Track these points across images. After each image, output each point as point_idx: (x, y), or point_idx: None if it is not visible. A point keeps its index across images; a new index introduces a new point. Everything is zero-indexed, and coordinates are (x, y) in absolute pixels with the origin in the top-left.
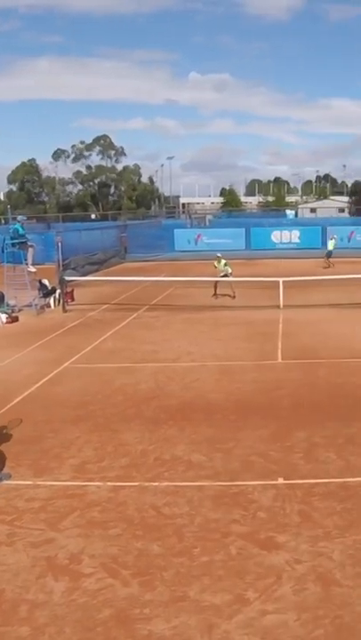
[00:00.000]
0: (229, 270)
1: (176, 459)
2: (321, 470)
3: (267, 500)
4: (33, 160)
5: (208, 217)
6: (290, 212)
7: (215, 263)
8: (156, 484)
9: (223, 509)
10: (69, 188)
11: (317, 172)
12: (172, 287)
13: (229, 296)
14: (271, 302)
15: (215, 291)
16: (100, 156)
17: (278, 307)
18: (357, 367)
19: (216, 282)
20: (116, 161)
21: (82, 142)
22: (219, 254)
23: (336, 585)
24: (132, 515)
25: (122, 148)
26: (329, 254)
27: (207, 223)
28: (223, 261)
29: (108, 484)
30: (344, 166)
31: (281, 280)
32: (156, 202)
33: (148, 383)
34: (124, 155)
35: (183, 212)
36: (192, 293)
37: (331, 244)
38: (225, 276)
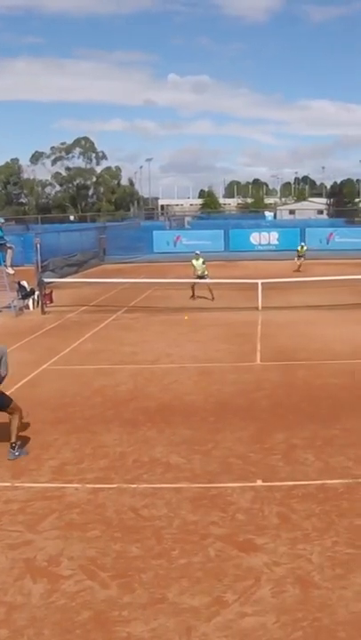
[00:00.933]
0: (206, 272)
1: (155, 460)
2: (300, 472)
3: (245, 501)
4: (16, 160)
5: (187, 219)
6: (269, 214)
7: (193, 261)
8: (135, 485)
9: (202, 511)
10: (48, 189)
11: (296, 173)
12: (151, 289)
13: (207, 298)
14: (250, 304)
15: (193, 292)
16: (81, 158)
17: (257, 308)
18: (337, 369)
19: (194, 283)
20: (97, 163)
21: (62, 143)
22: (198, 252)
23: (315, 587)
24: (111, 517)
25: (102, 153)
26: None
27: (186, 225)
28: (201, 259)
29: (87, 485)
30: (323, 168)
31: (260, 282)
32: (135, 204)
33: (127, 385)
34: (105, 158)
35: (162, 214)
36: (171, 295)
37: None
38: (202, 277)
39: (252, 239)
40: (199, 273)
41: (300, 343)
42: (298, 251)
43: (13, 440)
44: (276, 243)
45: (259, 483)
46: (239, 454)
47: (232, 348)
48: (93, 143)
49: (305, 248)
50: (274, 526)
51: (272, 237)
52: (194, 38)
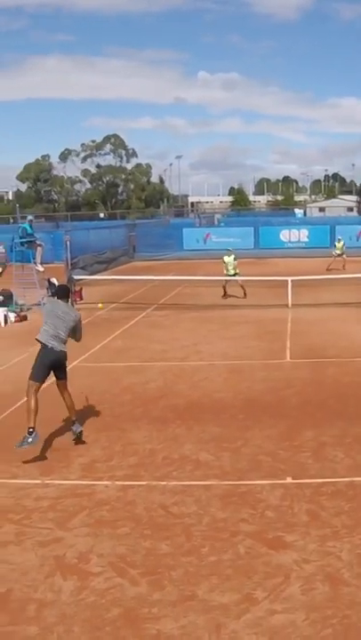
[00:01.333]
0: (237, 270)
1: (184, 458)
2: (329, 469)
3: (275, 499)
4: (47, 157)
5: (217, 216)
6: (298, 211)
7: (225, 257)
8: (165, 483)
9: (231, 508)
10: (77, 186)
11: (326, 170)
12: (181, 286)
13: (238, 297)
14: (280, 301)
15: (225, 291)
16: (112, 155)
17: (287, 306)
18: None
19: (226, 282)
20: (127, 161)
21: (93, 141)
22: (230, 248)
23: (344, 584)
24: (141, 514)
25: (133, 150)
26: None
27: (216, 222)
28: (233, 256)
29: (117, 483)
30: (353, 165)
31: (290, 279)
32: (165, 201)
33: (157, 382)
34: (136, 156)
35: (192, 211)
36: (201, 292)
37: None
38: (235, 274)
39: (281, 236)
40: (230, 271)
41: (329, 341)
42: (336, 247)
43: (74, 418)
44: (306, 240)
45: (288, 480)
46: (268, 452)
47: (262, 345)
48: (123, 140)
49: (342, 243)
50: (303, 523)
51: (302, 235)
52: (224, 36)
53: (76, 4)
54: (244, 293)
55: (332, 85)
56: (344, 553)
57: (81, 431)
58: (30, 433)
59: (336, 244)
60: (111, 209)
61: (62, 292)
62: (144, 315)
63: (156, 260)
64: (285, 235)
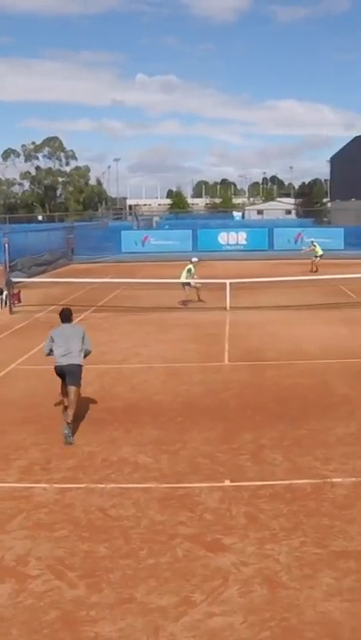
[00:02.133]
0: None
1: (122, 460)
2: (268, 472)
3: (213, 501)
4: None
5: (155, 219)
6: (237, 214)
7: (191, 266)
8: (103, 485)
9: (170, 511)
10: (16, 189)
11: (264, 173)
12: (120, 289)
13: (194, 300)
14: (218, 304)
15: (198, 296)
16: (50, 158)
17: (225, 308)
18: (305, 369)
19: (193, 288)
20: (67, 163)
21: (32, 143)
22: (195, 259)
23: (283, 587)
24: (79, 516)
25: (72, 151)
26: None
27: (154, 225)
28: (194, 270)
29: (55, 485)
30: (291, 168)
31: (228, 282)
32: (103, 203)
33: (95, 385)
34: (75, 158)
35: (130, 214)
36: (139, 295)
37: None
38: (187, 283)
39: (220, 239)
40: (187, 279)
41: (268, 343)
42: (313, 250)
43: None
44: (245, 243)
45: (227, 483)
46: (207, 454)
47: (200, 348)
48: (62, 143)
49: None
50: (242, 526)
51: (240, 237)
52: (161, 38)
53: (12, 5)
54: (199, 297)
55: (270, 88)
56: (282, 556)
57: (66, 434)
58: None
59: (314, 246)
60: (50, 211)
61: (64, 316)
62: (82, 317)
63: (95, 263)
64: (224, 237)
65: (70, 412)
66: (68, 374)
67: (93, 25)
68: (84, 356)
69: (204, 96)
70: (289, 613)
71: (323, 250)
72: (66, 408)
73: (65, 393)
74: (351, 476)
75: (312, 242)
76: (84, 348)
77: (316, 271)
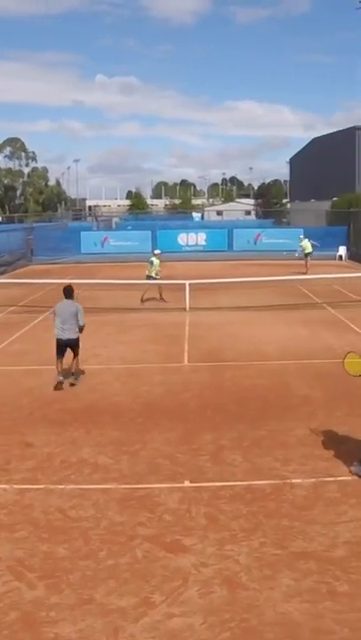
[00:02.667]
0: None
1: (82, 461)
2: (227, 473)
3: (173, 502)
4: None
5: (114, 219)
6: (196, 215)
7: (154, 259)
8: (63, 486)
9: (129, 512)
10: None
11: (224, 174)
12: (79, 290)
13: (156, 298)
14: (178, 305)
15: (160, 294)
16: (10, 159)
17: (185, 309)
18: (265, 369)
19: (149, 287)
20: (26, 164)
21: None
22: (158, 251)
23: (242, 588)
24: (39, 517)
25: (33, 153)
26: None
27: (113, 226)
28: (157, 261)
29: (15, 486)
30: (250, 169)
31: (187, 282)
32: (63, 204)
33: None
34: (35, 160)
35: (89, 215)
36: (99, 296)
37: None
38: (151, 277)
39: (179, 240)
40: (155, 274)
41: (227, 344)
42: (302, 248)
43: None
44: (204, 243)
45: (186, 483)
46: (167, 455)
47: (160, 348)
48: (24, 144)
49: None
50: (201, 527)
51: (200, 238)
52: (121, 39)
53: None
54: (160, 296)
55: (229, 89)
56: (242, 556)
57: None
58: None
59: (303, 243)
60: (9, 212)
61: (66, 292)
62: (42, 318)
63: (55, 264)
64: (183, 238)
65: (74, 365)
66: (67, 346)
67: (54, 25)
68: (79, 330)
69: (164, 97)
70: (249, 614)
71: (279, 249)
72: (59, 370)
73: (60, 359)
74: (311, 476)
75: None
76: (78, 324)
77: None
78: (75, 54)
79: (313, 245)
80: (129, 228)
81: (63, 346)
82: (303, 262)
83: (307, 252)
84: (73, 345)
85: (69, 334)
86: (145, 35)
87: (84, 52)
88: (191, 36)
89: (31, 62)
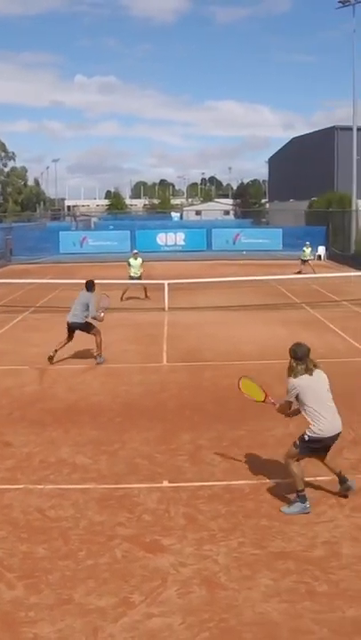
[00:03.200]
0: (140, 272)
1: (61, 461)
2: (206, 473)
3: (152, 502)
4: None
5: (93, 219)
6: (175, 215)
7: (131, 260)
8: (42, 486)
9: (108, 512)
10: None
11: (203, 174)
12: (58, 289)
13: (140, 298)
14: (157, 305)
15: (123, 293)
16: None
17: (163, 309)
18: (244, 369)
19: (128, 286)
20: (4, 164)
21: None
22: (136, 250)
23: (221, 588)
24: (18, 517)
25: (13, 153)
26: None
27: (92, 226)
28: (140, 259)
29: None
30: (230, 169)
31: (166, 282)
32: (42, 204)
33: (33, 386)
34: (14, 159)
35: (68, 215)
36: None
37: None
38: (138, 277)
39: (158, 240)
40: (134, 273)
41: (206, 344)
42: (304, 253)
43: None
44: (183, 243)
45: (165, 483)
46: (146, 455)
47: (139, 348)
48: (5, 144)
49: (310, 250)
50: (180, 527)
51: (178, 238)
52: (100, 39)
53: None
54: (146, 295)
55: (209, 88)
56: (221, 556)
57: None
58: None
59: (304, 249)
60: None
61: (88, 285)
62: (20, 318)
63: (33, 264)
64: (162, 238)
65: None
66: (75, 328)
67: (33, 25)
68: (89, 317)
69: (144, 97)
70: (228, 614)
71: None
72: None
73: (66, 341)
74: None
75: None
76: (86, 312)
77: (299, 272)
78: (54, 54)
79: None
80: (111, 227)
81: (71, 328)
82: (300, 266)
83: (306, 258)
84: (79, 327)
85: (74, 318)
86: (125, 34)
87: (63, 53)
88: (172, 35)
89: (10, 62)
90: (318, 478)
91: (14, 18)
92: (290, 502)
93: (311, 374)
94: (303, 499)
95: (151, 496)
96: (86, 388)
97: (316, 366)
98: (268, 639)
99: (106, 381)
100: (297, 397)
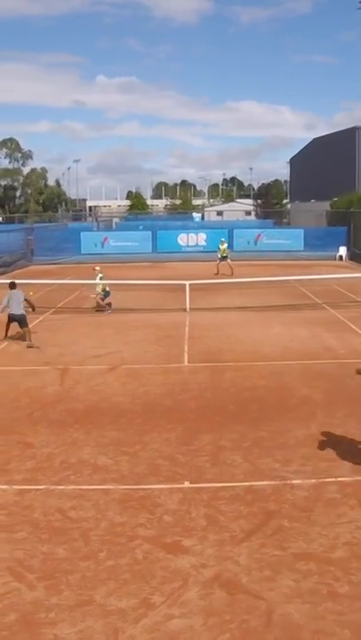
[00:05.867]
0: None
1: (82, 462)
2: (227, 474)
3: (173, 503)
4: None
5: (114, 220)
6: (196, 215)
7: (220, 246)
8: (62, 487)
9: (129, 513)
10: None
11: (224, 174)
12: (79, 290)
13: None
14: (178, 305)
15: (218, 270)
16: (8, 160)
17: (185, 310)
18: (265, 370)
19: (218, 262)
20: (23, 164)
21: None
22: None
23: (242, 589)
24: (38, 518)
25: (30, 152)
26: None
27: (114, 226)
28: (225, 245)
29: (14, 487)
30: (251, 169)
31: (187, 283)
32: (63, 205)
33: (54, 386)
34: (31, 158)
35: (89, 215)
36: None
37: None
38: (225, 257)
39: (179, 240)
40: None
41: (227, 345)
42: (219, 249)
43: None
44: (204, 244)
45: (186, 484)
46: (167, 456)
47: (160, 349)
48: (19, 144)
49: (225, 246)
50: (201, 528)
51: (200, 238)
52: (122, 40)
53: None
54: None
55: (230, 89)
56: (242, 558)
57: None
58: None
59: (220, 246)
60: (9, 213)
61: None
62: (42, 319)
63: (54, 264)
64: (183, 239)
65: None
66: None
67: (55, 26)
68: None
69: (165, 97)
70: (249, 615)
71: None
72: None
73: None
74: (311, 477)
75: None
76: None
77: (227, 273)
78: (75, 55)
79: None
80: (140, 227)
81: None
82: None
83: (224, 255)
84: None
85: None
86: (146, 35)
87: (84, 53)
88: (192, 35)
89: (32, 63)
90: (340, 479)
91: (36, 19)
92: None
93: None
94: None
95: (172, 497)
96: (107, 388)
97: None
98: None
99: (127, 382)
100: None
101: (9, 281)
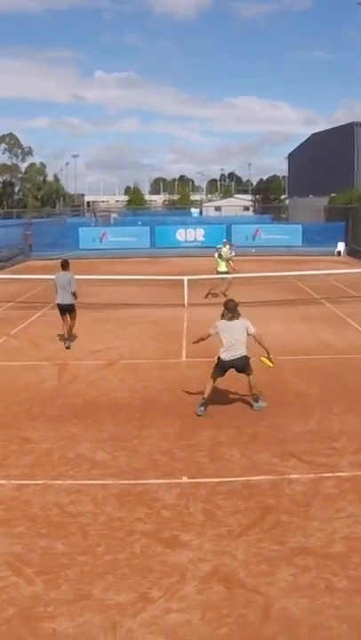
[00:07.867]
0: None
1: (80, 457)
2: (225, 469)
3: (171, 498)
4: None
5: (113, 215)
6: (195, 211)
7: (223, 249)
8: (61, 482)
9: (127, 508)
10: None
11: (222, 170)
12: (77, 285)
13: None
14: (176, 301)
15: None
16: (7, 155)
17: (183, 305)
18: (262, 365)
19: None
20: (22, 160)
21: None
22: (225, 240)
23: (240, 584)
24: (37, 513)
25: (29, 148)
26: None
27: (112, 221)
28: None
29: (13, 482)
30: (249, 164)
31: (186, 278)
32: (61, 200)
33: (53, 381)
34: (31, 155)
35: (88, 211)
36: (97, 292)
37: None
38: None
39: (177, 236)
40: (222, 268)
41: None
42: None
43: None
44: (202, 239)
45: (184, 479)
46: (165, 451)
47: (158, 344)
48: (18, 139)
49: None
50: (199, 523)
51: (198, 234)
52: (121, 35)
53: None
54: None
55: (229, 84)
56: (240, 552)
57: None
58: None
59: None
60: (7, 208)
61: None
62: (40, 314)
63: (53, 259)
64: (181, 234)
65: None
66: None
67: (55, 22)
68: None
69: (164, 93)
70: (247, 610)
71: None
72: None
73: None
74: (309, 472)
75: None
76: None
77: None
78: (74, 51)
79: None
80: (139, 223)
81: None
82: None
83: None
84: (69, 309)
85: (66, 299)
86: (146, 30)
87: (83, 49)
88: (191, 31)
89: (31, 59)
90: (338, 474)
91: (36, 14)
92: None
93: None
94: None
95: (170, 492)
96: (106, 383)
97: None
98: (288, 635)
99: (125, 377)
100: None
101: (5, 276)
